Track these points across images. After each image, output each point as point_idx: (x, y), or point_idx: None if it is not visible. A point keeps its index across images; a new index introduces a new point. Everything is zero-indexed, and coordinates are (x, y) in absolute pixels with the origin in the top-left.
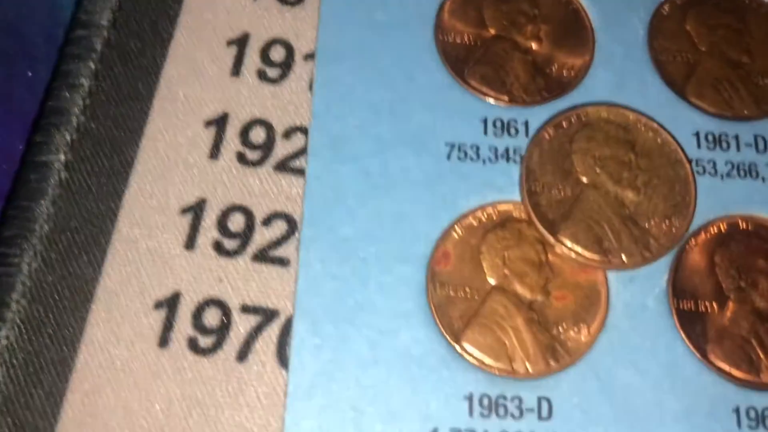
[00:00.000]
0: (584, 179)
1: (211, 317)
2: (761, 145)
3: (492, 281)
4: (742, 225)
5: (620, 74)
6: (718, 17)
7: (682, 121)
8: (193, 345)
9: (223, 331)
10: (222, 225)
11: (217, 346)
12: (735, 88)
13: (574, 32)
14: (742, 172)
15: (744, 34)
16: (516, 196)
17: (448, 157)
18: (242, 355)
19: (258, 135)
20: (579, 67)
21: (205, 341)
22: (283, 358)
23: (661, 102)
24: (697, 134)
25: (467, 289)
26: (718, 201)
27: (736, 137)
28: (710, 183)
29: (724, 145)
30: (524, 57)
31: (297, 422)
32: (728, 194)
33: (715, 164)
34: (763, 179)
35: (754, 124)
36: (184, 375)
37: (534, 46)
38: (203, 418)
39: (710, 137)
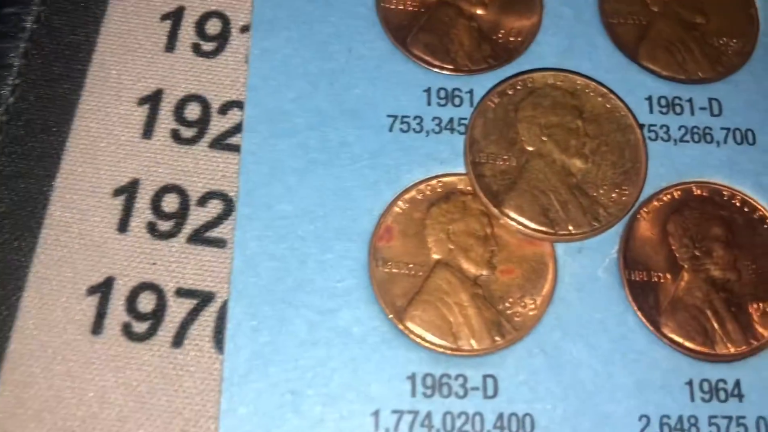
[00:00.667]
0: (530, 148)
1: (146, 302)
2: (715, 109)
3: (436, 256)
4: (696, 191)
5: (569, 38)
6: None
7: (633, 86)
8: (127, 331)
9: (158, 316)
10: (156, 206)
11: (152, 331)
12: (689, 50)
13: None
14: (696, 137)
15: None
16: (461, 168)
17: (390, 129)
18: (178, 340)
19: (193, 111)
20: (526, 32)
21: (139, 327)
22: (220, 343)
23: (611, 66)
24: (650, 98)
25: (411, 265)
26: (671, 167)
27: (690, 101)
28: (663, 149)
29: (678, 109)
30: (469, 23)
31: (233, 408)
32: (681, 160)
33: (668, 129)
34: (718, 143)
35: (709, 86)
36: (119, 362)
37: (479, 11)
38: (138, 405)
39: (663, 101)
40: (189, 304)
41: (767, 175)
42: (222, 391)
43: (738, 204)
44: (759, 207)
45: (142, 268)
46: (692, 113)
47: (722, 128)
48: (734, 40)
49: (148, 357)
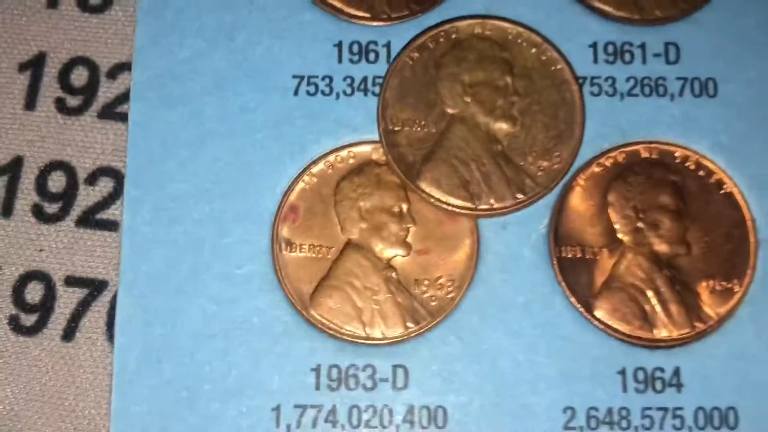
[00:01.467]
0: (451, 111)
1: (34, 292)
2: (672, 55)
3: (346, 237)
4: (644, 154)
5: None
6: None
7: (577, 30)
8: (14, 324)
9: (46, 307)
10: (41, 186)
11: (41, 324)
12: None
13: None
14: (646, 90)
15: None
16: (375, 136)
17: (296, 92)
18: (69, 333)
19: (80, 77)
20: None
21: (27, 320)
22: (113, 334)
23: (552, 8)
24: (594, 45)
25: (318, 248)
26: (615, 126)
27: (643, 46)
28: (606, 105)
29: (627, 56)
30: None
31: (125, 407)
32: (628, 117)
33: (614, 81)
34: (672, 97)
35: (666, 28)
36: (7, 358)
37: None
38: (29, 403)
39: (610, 48)
40: (80, 293)
41: (727, 132)
42: (112, 389)
43: (692, 167)
44: (715, 170)
45: (29, 255)
46: (644, 61)
47: (678, 78)
48: None
49: (37, 352)
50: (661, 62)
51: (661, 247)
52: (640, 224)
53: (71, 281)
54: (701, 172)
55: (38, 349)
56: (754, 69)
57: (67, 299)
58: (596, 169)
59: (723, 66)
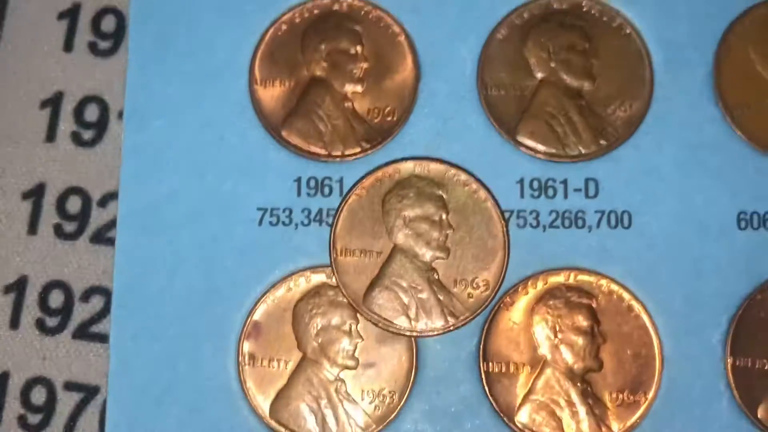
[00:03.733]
0: (393, 242)
1: (38, 395)
2: (591, 190)
3: (303, 351)
4: (564, 279)
5: (443, 118)
6: (560, 36)
7: (507, 168)
8: (22, 423)
9: (49, 408)
10: (43, 302)
11: (44, 423)
12: (571, 122)
13: (397, 70)
14: (566, 222)
15: (589, 54)
16: (329, 261)
17: (260, 222)
18: (68, 431)
19: (74, 205)
20: (401, 110)
21: (33, 419)
22: None
23: (486, 146)
24: (521, 181)
25: (279, 361)
26: (536, 255)
27: (565, 182)
28: (530, 236)
29: (550, 192)
30: (343, 104)
31: None
32: (549, 247)
33: (537, 215)
34: (590, 228)
35: (588, 164)
36: None
37: (355, 87)
38: None
39: (535, 184)
40: (77, 397)
41: (639, 261)
42: None
43: (606, 292)
44: (627, 295)
45: (35, 362)
46: (566, 196)
47: (596, 211)
48: (623, 107)
49: None
50: (581, 196)
51: (576, 364)
52: (557, 343)
53: (69, 386)
54: (614, 297)
55: None
56: (666, 202)
57: (66, 401)
58: (520, 294)
59: (638, 199)
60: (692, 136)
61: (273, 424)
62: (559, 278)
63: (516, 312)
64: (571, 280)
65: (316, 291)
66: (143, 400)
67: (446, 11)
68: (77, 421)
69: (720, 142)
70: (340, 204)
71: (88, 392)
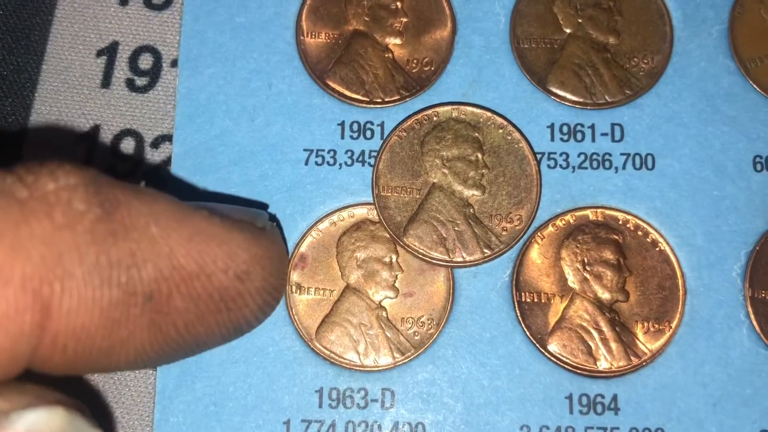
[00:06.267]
0: (432, 180)
1: None
2: (617, 134)
3: (346, 281)
4: (592, 216)
5: (478, 68)
6: None
7: (537, 114)
8: None
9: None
10: None
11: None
12: (598, 74)
13: (435, 24)
14: (594, 163)
15: (613, 12)
16: (370, 198)
17: (306, 162)
18: None
19: (128, 146)
20: (438, 61)
21: None
22: None
23: (518, 94)
24: (552, 126)
25: (323, 290)
26: (567, 194)
27: (592, 127)
28: (560, 176)
29: (579, 136)
30: (384, 54)
31: (165, 418)
32: (578, 186)
33: (567, 156)
34: (616, 169)
35: (614, 111)
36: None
37: (394, 41)
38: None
39: (565, 128)
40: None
41: (662, 200)
42: (155, 404)
43: (632, 228)
44: (651, 231)
45: None
46: (593, 140)
47: (622, 154)
48: (646, 60)
49: (94, 374)
50: (607, 140)
51: (604, 295)
52: (586, 275)
53: None
54: (639, 233)
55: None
56: (686, 146)
57: None
58: (551, 229)
59: (660, 143)
60: (709, 87)
61: (319, 347)
62: (587, 215)
63: (547, 246)
64: (599, 217)
65: (359, 225)
66: None
67: None
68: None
69: (735, 92)
70: (382, 145)
71: None
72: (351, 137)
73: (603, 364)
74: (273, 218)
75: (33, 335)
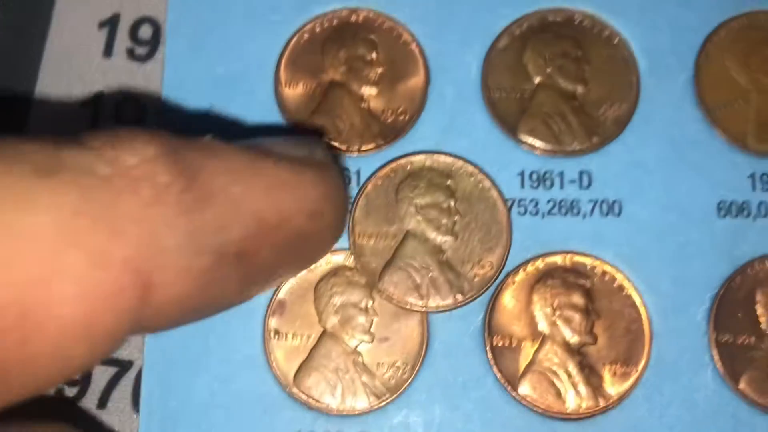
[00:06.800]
0: (407, 227)
1: None
2: (585, 181)
3: (323, 326)
4: (560, 262)
5: (450, 117)
6: (555, 45)
7: (508, 161)
8: (59, 395)
9: (85, 381)
10: None
11: (80, 394)
12: (567, 122)
13: (409, 75)
14: (563, 210)
15: (581, 61)
16: (347, 245)
17: None
18: (102, 402)
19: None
20: (412, 111)
21: (70, 391)
22: (138, 405)
23: (489, 143)
24: (522, 174)
25: (301, 335)
26: (536, 240)
27: (561, 174)
28: (530, 222)
29: (548, 183)
30: (360, 104)
31: None
32: (548, 232)
33: (537, 203)
34: (585, 215)
35: (582, 158)
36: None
37: (371, 90)
38: None
39: (534, 176)
40: (111, 371)
41: (629, 245)
42: None
43: (599, 273)
44: (618, 276)
45: None
46: (562, 186)
47: (590, 200)
48: (613, 108)
49: (77, 417)
50: (576, 187)
51: (573, 338)
52: (556, 319)
53: (105, 361)
54: (607, 278)
55: (77, 414)
56: (653, 192)
57: (101, 375)
58: (522, 274)
59: (627, 190)
60: (675, 134)
61: (296, 392)
62: (556, 260)
63: (518, 291)
64: (568, 263)
65: (335, 271)
66: (176, 371)
67: (453, 22)
68: (111, 393)
69: (700, 139)
70: (358, 192)
71: (122, 366)
72: None
73: (571, 406)
74: (328, 146)
75: (135, 309)
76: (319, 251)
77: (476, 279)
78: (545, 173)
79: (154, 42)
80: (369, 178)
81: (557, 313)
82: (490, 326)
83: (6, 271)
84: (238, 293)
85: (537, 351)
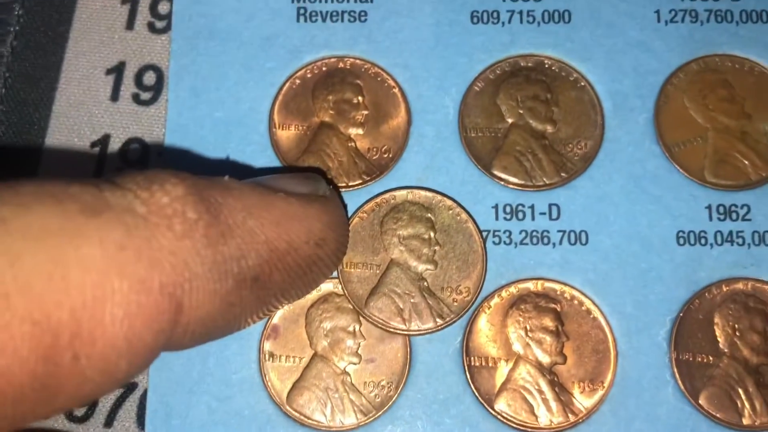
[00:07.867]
0: (391, 256)
1: None
2: (554, 213)
3: (314, 349)
4: (533, 288)
5: (431, 155)
6: (527, 88)
7: (483, 195)
8: (68, 414)
9: (93, 402)
10: None
11: (89, 414)
12: (537, 159)
13: (392, 117)
14: (534, 240)
15: (550, 103)
16: (336, 274)
17: None
18: (109, 421)
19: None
20: (395, 149)
21: (79, 411)
22: (142, 424)
23: (466, 179)
24: (496, 207)
25: (294, 357)
26: (510, 267)
27: (532, 207)
28: (504, 251)
29: (520, 215)
30: (347, 144)
31: None
32: (520, 261)
33: (510, 234)
34: (554, 245)
35: (550, 192)
36: None
37: (357, 131)
38: None
39: (508, 209)
40: (117, 391)
41: (595, 272)
42: None
43: (568, 298)
44: (586, 300)
45: None
46: (533, 218)
47: (559, 231)
48: (580, 146)
49: None
50: (545, 219)
51: (545, 358)
52: (529, 341)
53: None
54: (575, 302)
55: None
56: (617, 223)
57: (108, 396)
58: (497, 299)
59: (593, 221)
60: (637, 169)
61: (289, 411)
62: (528, 287)
63: (493, 315)
64: (539, 288)
65: (325, 298)
66: (178, 391)
67: (432, 68)
68: (117, 412)
69: (660, 174)
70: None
71: (128, 387)
72: None
73: (543, 421)
74: (328, 182)
75: (169, 329)
76: (324, 274)
77: (455, 304)
78: (518, 206)
79: (158, 87)
80: (355, 212)
81: (530, 335)
82: (467, 348)
83: (64, 296)
84: (255, 312)
85: (511, 370)
